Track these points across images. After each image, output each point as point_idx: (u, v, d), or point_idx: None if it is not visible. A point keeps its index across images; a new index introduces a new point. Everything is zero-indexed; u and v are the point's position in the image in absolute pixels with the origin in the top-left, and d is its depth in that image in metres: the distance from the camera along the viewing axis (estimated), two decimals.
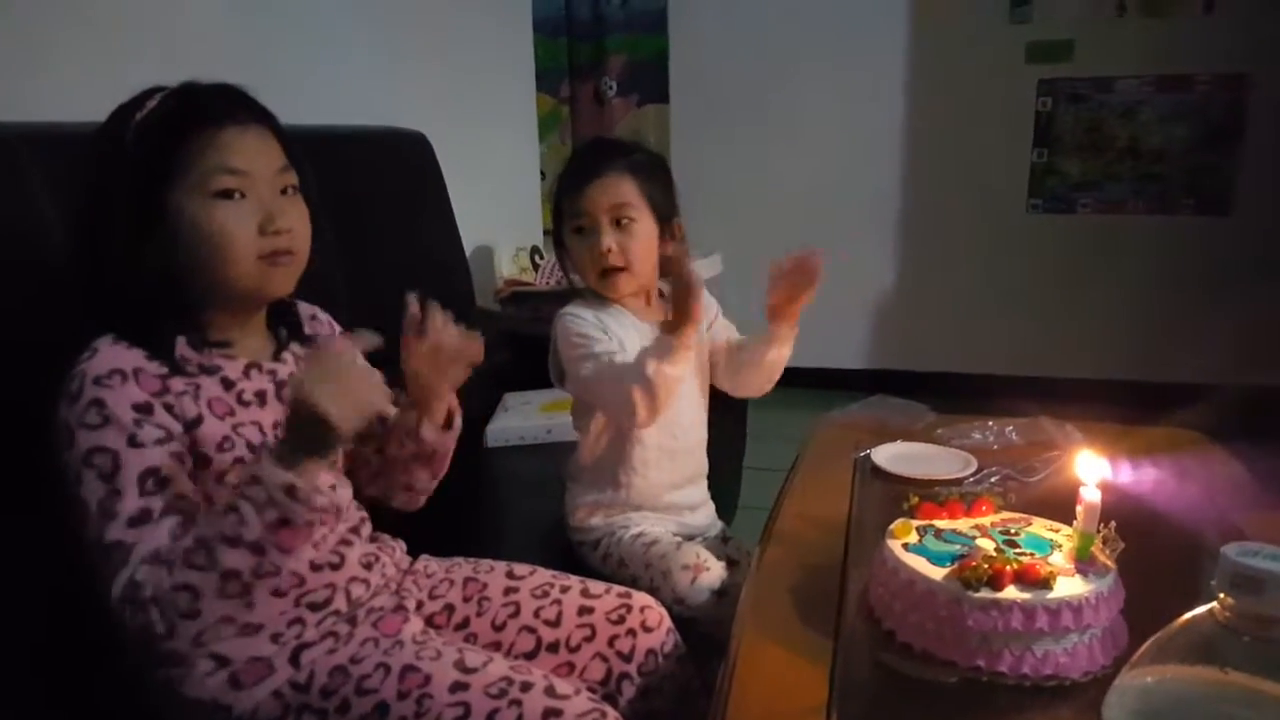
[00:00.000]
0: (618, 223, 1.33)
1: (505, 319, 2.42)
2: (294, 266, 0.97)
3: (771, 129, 3.63)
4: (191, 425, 0.91)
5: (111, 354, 0.89)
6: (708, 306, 1.47)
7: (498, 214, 2.89)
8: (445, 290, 2.11)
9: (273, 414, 0.98)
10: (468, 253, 2.33)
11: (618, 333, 1.35)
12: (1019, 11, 3.29)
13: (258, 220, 0.93)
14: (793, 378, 1.53)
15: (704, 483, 1.51)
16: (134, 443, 0.85)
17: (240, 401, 0.96)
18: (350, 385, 0.83)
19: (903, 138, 3.54)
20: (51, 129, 1.17)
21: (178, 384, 0.91)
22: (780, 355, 1.41)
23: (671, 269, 1.25)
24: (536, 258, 2.87)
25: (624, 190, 1.33)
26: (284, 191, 0.97)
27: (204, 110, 0.92)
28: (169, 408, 0.89)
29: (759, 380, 1.45)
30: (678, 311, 1.22)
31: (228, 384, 0.96)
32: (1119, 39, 3.23)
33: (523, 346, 2.06)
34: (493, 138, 2.96)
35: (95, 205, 0.92)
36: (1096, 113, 3.31)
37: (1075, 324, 3.45)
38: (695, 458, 1.48)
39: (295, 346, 1.07)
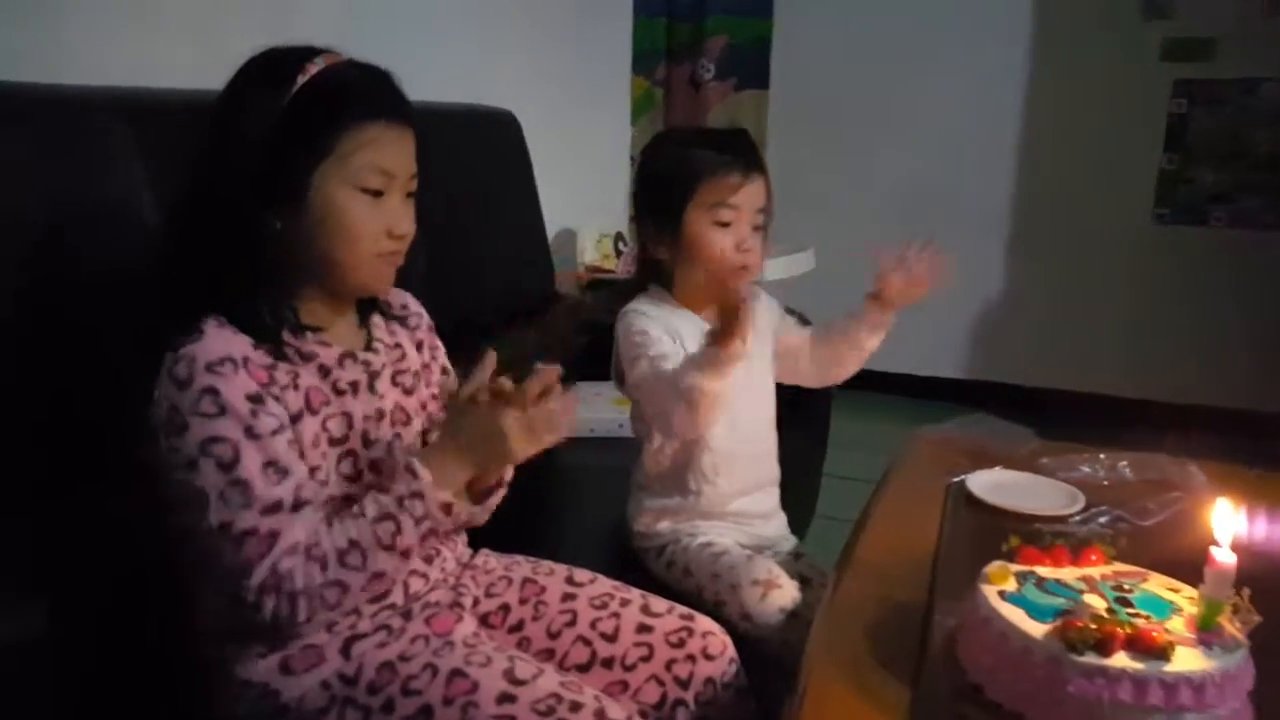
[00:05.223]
0: (755, 226, 1.31)
1: (586, 306, 2.38)
2: (398, 266, 1.00)
3: (877, 121, 3.47)
4: (294, 420, 0.91)
5: (220, 339, 0.88)
6: (768, 309, 1.44)
7: (584, 198, 2.85)
8: (525, 273, 2.10)
9: (363, 405, 0.99)
10: (550, 236, 2.29)
11: (682, 335, 1.30)
12: (1156, 6, 3.06)
13: (387, 223, 0.94)
14: (885, 384, 1.45)
15: (775, 491, 1.45)
16: (252, 434, 0.86)
17: (335, 390, 0.97)
18: (534, 419, 0.89)
19: (1019, 137, 3.34)
20: (143, 95, 1.18)
21: (281, 375, 0.92)
22: (876, 342, 1.38)
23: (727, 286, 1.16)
24: (620, 244, 2.82)
25: (767, 194, 1.33)
26: (408, 195, 0.98)
27: (374, 102, 0.93)
28: (276, 399, 0.90)
29: (851, 364, 1.42)
30: (724, 326, 1.14)
31: (324, 371, 0.97)
32: (1268, 39, 2.97)
33: (601, 335, 2.01)
34: (584, 120, 2.92)
35: (228, 159, 0.90)
36: (1237, 118, 3.06)
37: (1198, 345, 3.20)
38: (765, 464, 1.42)
39: (385, 336, 1.06)
